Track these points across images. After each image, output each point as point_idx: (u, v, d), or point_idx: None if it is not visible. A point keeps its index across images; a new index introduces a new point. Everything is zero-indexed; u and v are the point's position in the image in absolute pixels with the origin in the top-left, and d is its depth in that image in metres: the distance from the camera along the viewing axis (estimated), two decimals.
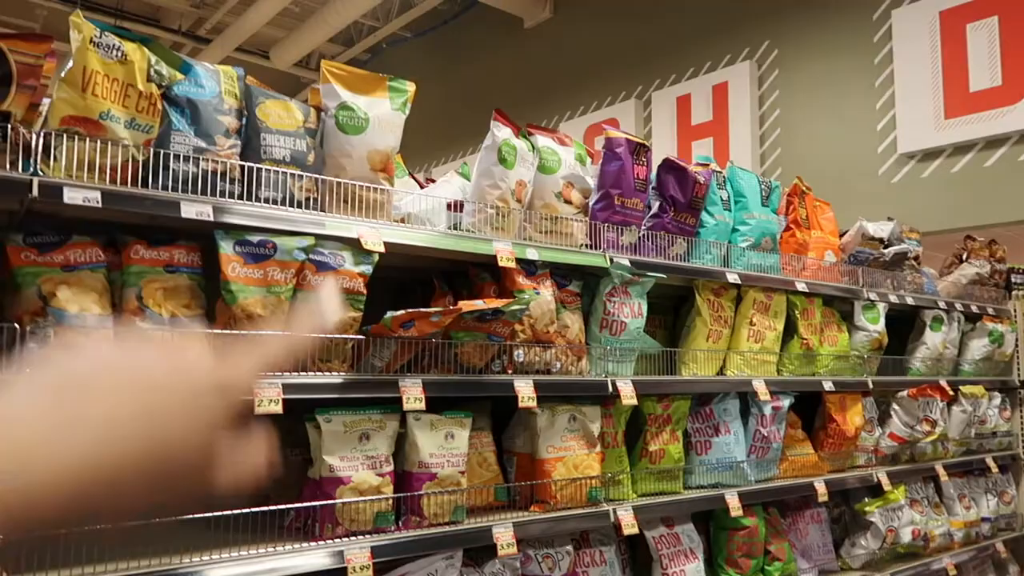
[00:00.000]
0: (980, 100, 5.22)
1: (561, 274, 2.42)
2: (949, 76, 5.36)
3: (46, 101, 1.74)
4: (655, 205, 2.73)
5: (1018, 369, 4.27)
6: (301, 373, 1.86)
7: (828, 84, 6.06)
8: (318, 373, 1.89)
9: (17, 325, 1.54)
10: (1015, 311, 4.30)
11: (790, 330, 3.10)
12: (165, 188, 1.74)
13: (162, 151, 1.75)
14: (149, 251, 1.76)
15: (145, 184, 1.73)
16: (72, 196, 1.58)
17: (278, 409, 1.75)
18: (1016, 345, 4.26)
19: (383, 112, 2.09)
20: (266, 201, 1.87)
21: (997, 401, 4.04)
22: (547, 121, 7.79)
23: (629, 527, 2.36)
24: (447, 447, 2.08)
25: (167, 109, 1.78)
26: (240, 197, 1.84)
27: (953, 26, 5.35)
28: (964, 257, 4.35)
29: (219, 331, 1.78)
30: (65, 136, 1.62)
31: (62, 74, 1.65)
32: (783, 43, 6.38)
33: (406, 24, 9.58)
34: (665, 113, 7.10)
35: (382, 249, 1.98)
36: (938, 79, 5.41)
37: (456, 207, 2.30)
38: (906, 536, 3.29)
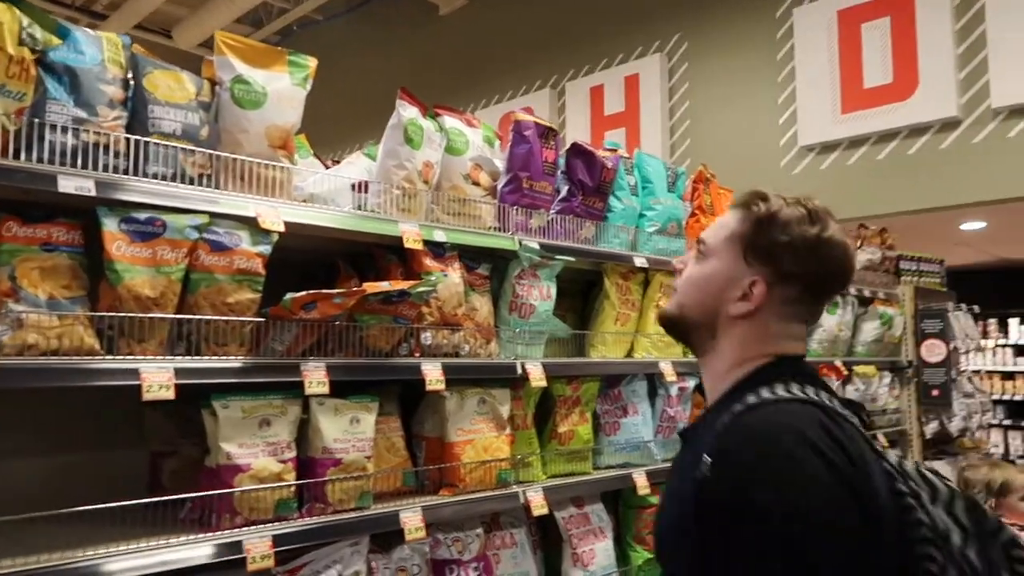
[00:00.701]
0: (874, 96, 5.48)
1: (470, 256, 2.40)
2: (846, 73, 5.61)
3: None
4: (564, 189, 2.74)
5: (906, 350, 4.53)
6: (195, 357, 1.78)
7: (735, 78, 6.25)
8: (214, 357, 1.81)
9: None
10: (903, 295, 4.55)
11: None
12: (41, 160, 1.62)
13: (36, 120, 1.63)
14: (24, 228, 1.64)
15: (17, 156, 1.61)
16: None
17: (170, 395, 1.67)
18: (904, 328, 4.51)
19: (282, 87, 2.02)
20: (155, 177, 1.77)
21: (887, 380, 4.27)
22: (463, 109, 7.74)
23: (539, 508, 2.37)
24: (352, 432, 2.03)
25: (42, 76, 1.65)
26: (126, 172, 1.74)
27: (849, 25, 5.59)
28: (858, 244, 4.57)
29: (103, 314, 1.67)
30: None
31: None
32: (693, 36, 6.54)
33: (317, 6, 9.32)
34: (579, 103, 7.17)
35: (282, 229, 1.91)
36: (835, 75, 5.65)
37: (361, 188, 2.24)
38: None
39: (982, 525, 1.13)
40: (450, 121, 2.44)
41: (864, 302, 4.28)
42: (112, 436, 2.11)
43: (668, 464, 2.89)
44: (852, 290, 4.13)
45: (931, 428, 4.46)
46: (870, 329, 4.26)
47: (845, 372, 3.77)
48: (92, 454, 2.08)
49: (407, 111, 2.26)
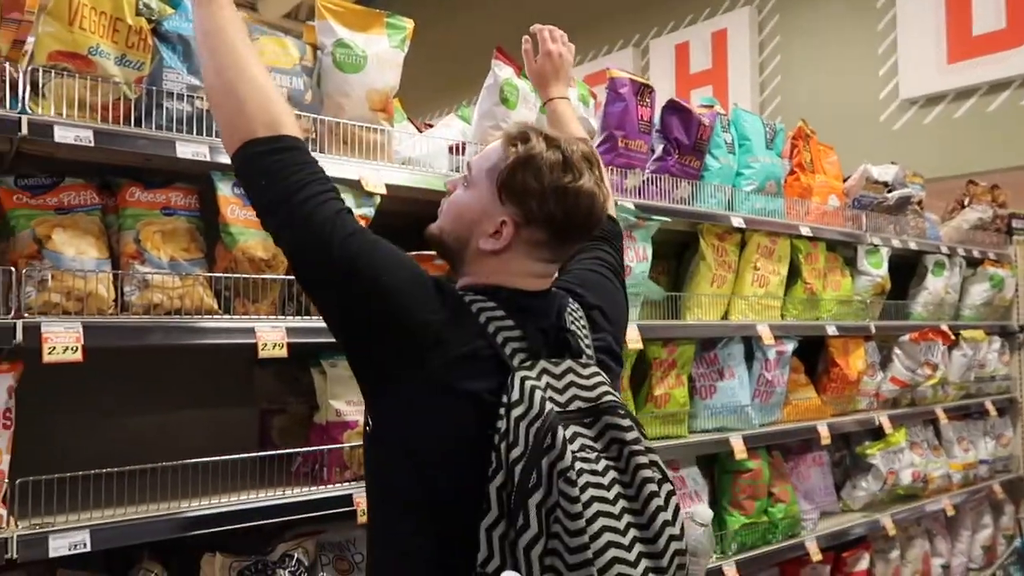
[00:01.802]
0: (984, 44, 5.12)
1: None
2: (952, 20, 5.25)
3: (31, 40, 1.67)
4: (659, 148, 2.67)
5: (1017, 314, 4.27)
6: (305, 317, 1.83)
7: (830, 29, 5.94)
8: None
9: (13, 268, 1.50)
10: (1016, 256, 4.28)
11: (794, 275, 3.08)
12: (159, 127, 1.68)
13: (155, 89, 1.69)
14: (145, 193, 1.71)
15: (138, 124, 1.67)
16: (63, 135, 1.52)
17: (283, 353, 1.73)
18: (1016, 290, 4.25)
19: (382, 49, 2.02)
20: None
21: (997, 345, 4.05)
22: None
23: None
24: None
25: (158, 45, 1.71)
26: None
27: None
28: (966, 202, 4.32)
29: (220, 275, 1.74)
30: (53, 72, 1.56)
31: (47, 7, 1.58)
32: None
33: None
34: (663, 61, 6.97)
35: (384, 191, 1.94)
36: (941, 23, 5.30)
37: (458, 149, 2.24)
38: (906, 478, 3.32)
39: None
40: None
41: (973, 263, 4.05)
42: (223, 394, 2.21)
43: (766, 429, 2.84)
44: (960, 251, 3.91)
45: None
46: (979, 292, 4.03)
47: (952, 337, 3.59)
48: (205, 411, 2.18)
49: (502, 71, 2.24)
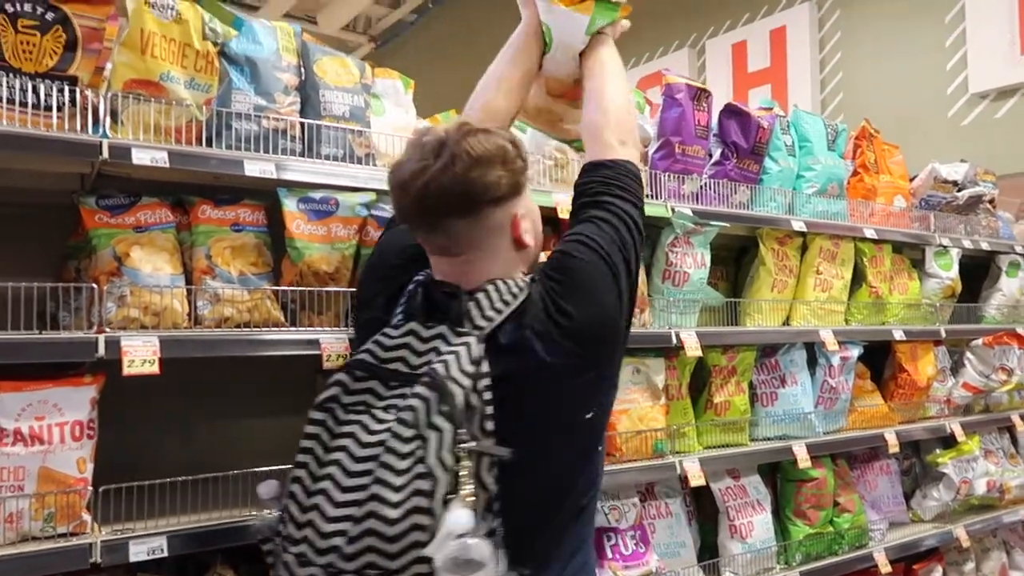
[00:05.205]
0: None
1: None
2: None
3: (109, 66, 1.76)
4: (716, 152, 2.65)
5: None
6: None
7: (894, 22, 5.77)
8: None
9: (95, 285, 1.58)
10: None
11: (858, 278, 3.00)
12: (228, 147, 1.75)
13: (224, 110, 1.75)
14: (215, 211, 1.78)
15: (209, 144, 1.74)
16: (140, 157, 1.60)
17: None
18: None
19: None
20: (327, 158, 1.87)
21: None
22: None
23: (696, 478, 2.34)
24: None
25: (226, 67, 1.78)
26: (301, 155, 1.85)
27: None
28: None
29: (287, 288, 1.80)
30: (131, 99, 1.64)
31: (121, 38, 1.67)
32: None
33: None
34: (720, 61, 6.87)
35: None
36: (1014, 11, 5.09)
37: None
38: (980, 488, 3.20)
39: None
40: None
41: None
42: (289, 403, 2.27)
43: (830, 437, 2.78)
44: None
45: None
46: None
47: None
48: (272, 420, 2.24)
49: None
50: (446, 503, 1.06)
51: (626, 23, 1.70)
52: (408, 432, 1.09)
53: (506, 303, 1.25)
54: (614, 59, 1.60)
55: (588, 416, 1.30)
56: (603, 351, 1.30)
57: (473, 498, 1.08)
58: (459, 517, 1.05)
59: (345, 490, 1.10)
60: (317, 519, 1.11)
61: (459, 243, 1.27)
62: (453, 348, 1.17)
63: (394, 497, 1.06)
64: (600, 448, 1.39)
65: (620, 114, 1.49)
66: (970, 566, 3.23)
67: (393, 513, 1.05)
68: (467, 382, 1.13)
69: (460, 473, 1.08)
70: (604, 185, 1.37)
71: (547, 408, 1.25)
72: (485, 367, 1.16)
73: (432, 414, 1.09)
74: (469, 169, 1.20)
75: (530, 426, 1.22)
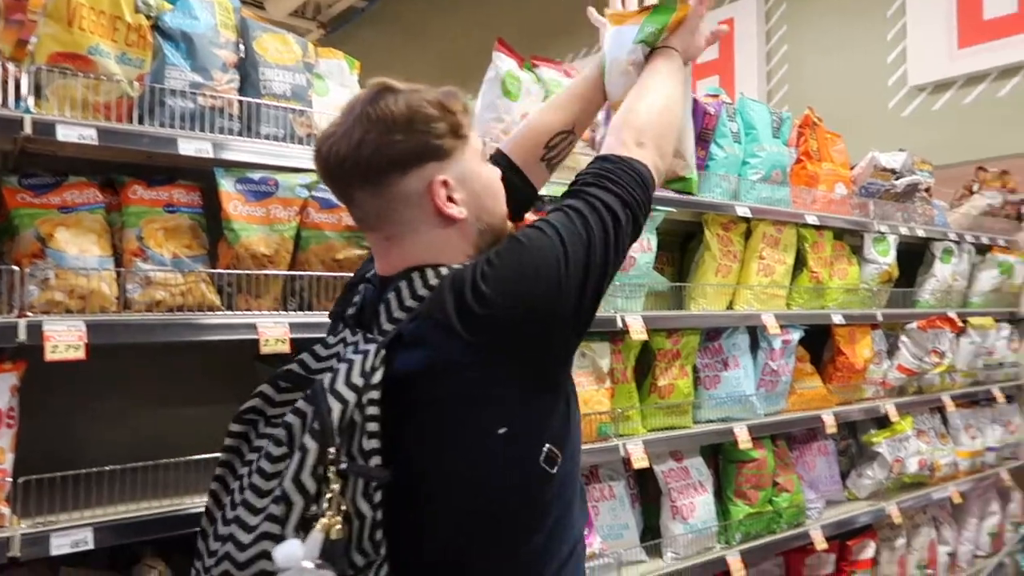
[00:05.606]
0: (995, 28, 5.06)
1: None
2: (963, 4, 5.19)
3: (34, 39, 1.68)
4: None
5: None
6: (307, 312, 1.84)
7: (837, 17, 5.89)
8: (325, 312, 1.87)
9: (16, 267, 1.52)
10: None
11: (800, 264, 3.07)
12: (162, 125, 1.69)
13: (157, 86, 1.69)
14: (148, 191, 1.72)
15: (141, 121, 1.68)
16: (66, 133, 1.53)
17: (285, 348, 1.74)
18: None
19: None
20: (267, 137, 1.82)
21: (1005, 332, 4.02)
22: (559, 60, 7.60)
23: (639, 461, 2.37)
24: None
25: (160, 42, 1.72)
26: (239, 134, 1.80)
27: None
28: (975, 189, 4.29)
29: (223, 271, 1.75)
30: (56, 72, 1.57)
31: (46, 9, 1.59)
32: None
33: None
34: None
35: None
36: (952, 7, 5.23)
37: None
38: (912, 466, 3.32)
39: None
40: (548, 72, 2.40)
41: (981, 250, 4.03)
42: (225, 391, 2.21)
43: (771, 418, 2.84)
44: (968, 237, 3.88)
45: None
46: (987, 278, 4.00)
47: (960, 324, 3.57)
48: (207, 408, 2.19)
49: (504, 63, 2.24)
50: (306, 530, 0.96)
51: (705, 29, 1.55)
52: (278, 451, 1.01)
53: (419, 299, 1.10)
54: (667, 68, 1.43)
55: (501, 432, 1.06)
56: (523, 352, 1.08)
57: (338, 526, 0.96)
58: (287, 548, 0.93)
59: (225, 521, 1.05)
60: (211, 545, 1.07)
61: (368, 216, 1.16)
62: (351, 358, 1.06)
63: (252, 520, 1.00)
64: (554, 471, 1.12)
65: (650, 116, 1.33)
66: (901, 541, 3.35)
67: (246, 538, 0.99)
68: (352, 396, 1.00)
69: (326, 497, 0.97)
70: (595, 177, 1.24)
71: (442, 419, 1.07)
72: (377, 377, 1.02)
73: (304, 431, 1.00)
74: (366, 132, 1.10)
75: (429, 442, 1.06)
